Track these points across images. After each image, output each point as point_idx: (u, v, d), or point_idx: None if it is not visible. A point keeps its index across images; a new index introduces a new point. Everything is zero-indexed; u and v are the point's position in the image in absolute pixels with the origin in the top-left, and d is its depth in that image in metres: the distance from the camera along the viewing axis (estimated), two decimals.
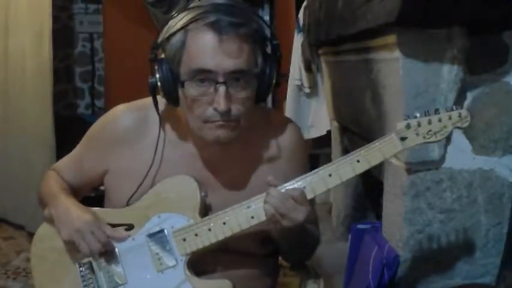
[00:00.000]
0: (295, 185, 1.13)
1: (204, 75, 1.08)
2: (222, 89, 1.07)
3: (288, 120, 1.36)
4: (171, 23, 1.13)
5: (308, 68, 2.80)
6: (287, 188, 1.12)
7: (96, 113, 4.81)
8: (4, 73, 3.43)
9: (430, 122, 1.12)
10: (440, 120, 1.13)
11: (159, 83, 1.12)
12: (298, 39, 2.86)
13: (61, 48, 4.53)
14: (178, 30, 1.10)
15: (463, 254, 1.45)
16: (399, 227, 1.46)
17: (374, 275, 1.53)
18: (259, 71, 1.13)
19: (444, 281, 1.46)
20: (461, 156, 1.41)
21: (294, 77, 2.91)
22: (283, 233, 1.16)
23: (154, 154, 1.21)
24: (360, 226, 1.82)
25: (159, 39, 1.14)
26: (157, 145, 1.21)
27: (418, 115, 1.14)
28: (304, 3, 2.71)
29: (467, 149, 1.42)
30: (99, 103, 4.93)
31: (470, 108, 1.40)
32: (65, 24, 4.76)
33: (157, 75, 1.12)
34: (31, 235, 3.07)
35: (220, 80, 1.07)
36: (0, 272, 2.77)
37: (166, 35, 1.12)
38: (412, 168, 1.40)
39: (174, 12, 1.15)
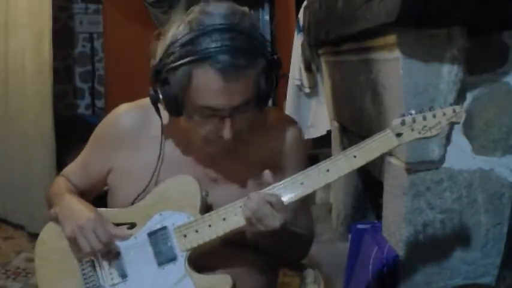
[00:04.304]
0: (287, 184, 1.14)
1: (209, 111, 1.12)
2: (227, 121, 1.12)
3: (287, 117, 1.39)
4: (173, 40, 1.11)
5: (308, 68, 2.81)
6: (272, 190, 1.13)
7: (96, 113, 4.82)
8: (4, 73, 3.43)
9: (424, 118, 1.15)
10: (434, 116, 1.15)
11: (161, 96, 1.14)
12: (298, 39, 2.87)
13: (61, 48, 4.53)
14: (183, 64, 1.09)
15: (463, 254, 1.45)
16: (399, 227, 1.46)
17: (374, 275, 1.53)
18: (262, 91, 1.14)
19: (444, 281, 1.46)
20: (461, 156, 1.41)
21: (294, 77, 2.91)
22: (259, 236, 1.17)
23: (159, 155, 1.23)
24: (360, 226, 1.82)
25: (161, 60, 1.12)
26: (161, 146, 1.23)
27: (413, 112, 1.15)
28: (304, 3, 2.71)
29: (467, 149, 1.42)
30: (99, 103, 4.93)
31: (470, 108, 1.40)
32: (65, 24, 4.77)
33: (160, 92, 1.13)
34: (31, 235, 3.09)
35: (226, 114, 1.11)
36: (0, 272, 2.77)
37: (172, 64, 1.10)
38: (412, 168, 1.40)
39: (176, 24, 1.13)
